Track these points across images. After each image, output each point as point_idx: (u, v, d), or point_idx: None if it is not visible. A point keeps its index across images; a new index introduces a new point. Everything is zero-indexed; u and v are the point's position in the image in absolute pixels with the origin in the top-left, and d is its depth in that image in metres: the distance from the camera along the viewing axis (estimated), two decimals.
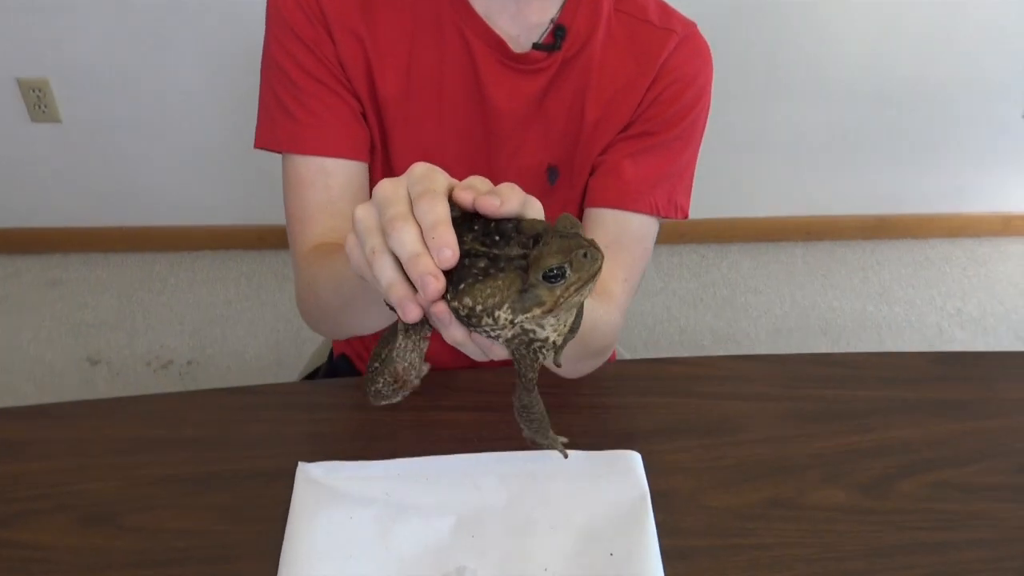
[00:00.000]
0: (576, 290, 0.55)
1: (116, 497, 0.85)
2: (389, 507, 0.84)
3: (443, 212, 0.53)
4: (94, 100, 2.13)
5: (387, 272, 0.54)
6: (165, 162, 2.23)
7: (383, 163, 0.98)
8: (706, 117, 0.99)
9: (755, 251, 2.44)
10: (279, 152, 0.93)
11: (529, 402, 0.60)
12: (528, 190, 1.02)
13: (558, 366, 0.63)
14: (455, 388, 0.97)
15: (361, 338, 1.16)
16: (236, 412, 0.94)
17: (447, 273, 0.54)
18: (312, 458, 0.88)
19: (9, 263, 2.30)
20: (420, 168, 0.56)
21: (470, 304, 0.55)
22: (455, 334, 0.56)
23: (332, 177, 0.91)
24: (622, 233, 0.95)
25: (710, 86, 0.99)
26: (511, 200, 0.56)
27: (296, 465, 0.87)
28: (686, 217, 1.01)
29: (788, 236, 2.49)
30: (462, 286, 0.55)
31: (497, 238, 0.56)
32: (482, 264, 0.55)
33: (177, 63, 2.07)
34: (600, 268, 0.55)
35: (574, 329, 0.62)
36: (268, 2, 0.92)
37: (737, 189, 2.33)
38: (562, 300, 0.55)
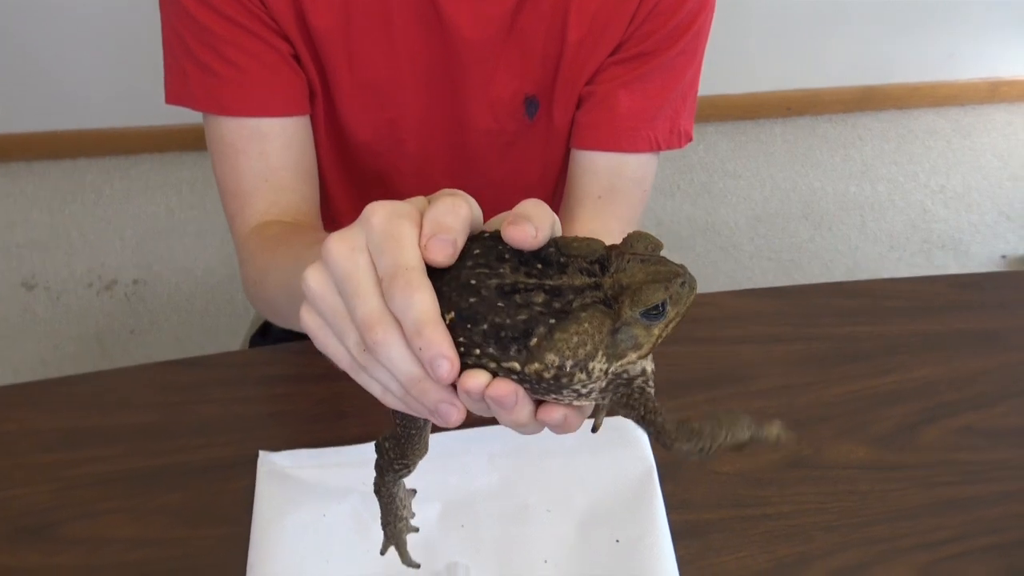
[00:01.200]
0: (674, 326, 0.44)
1: (51, 503, 0.74)
2: (367, 498, 0.74)
3: (427, 304, 0.39)
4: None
5: (397, 373, 0.41)
6: (87, 53, 1.99)
7: (326, 111, 0.82)
8: (708, 32, 0.84)
9: (733, 131, 2.31)
10: (197, 111, 0.77)
11: (684, 432, 0.45)
12: (503, 126, 0.85)
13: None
14: None
15: None
16: (182, 391, 0.83)
17: (487, 326, 0.41)
18: (274, 442, 0.78)
19: None
20: (379, 219, 0.41)
21: (556, 362, 0.41)
22: (521, 416, 0.42)
23: (268, 141, 0.76)
24: (617, 179, 0.83)
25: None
26: (544, 224, 0.42)
27: (257, 454, 0.77)
28: (690, 141, 0.87)
29: (767, 113, 2.36)
30: (534, 340, 0.41)
31: (540, 266, 0.43)
32: (540, 299, 0.42)
33: None
34: (694, 298, 0.44)
35: None
36: None
37: (712, 64, 2.16)
38: (659, 341, 0.43)
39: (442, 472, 0.77)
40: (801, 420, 0.83)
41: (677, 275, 0.42)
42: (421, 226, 0.41)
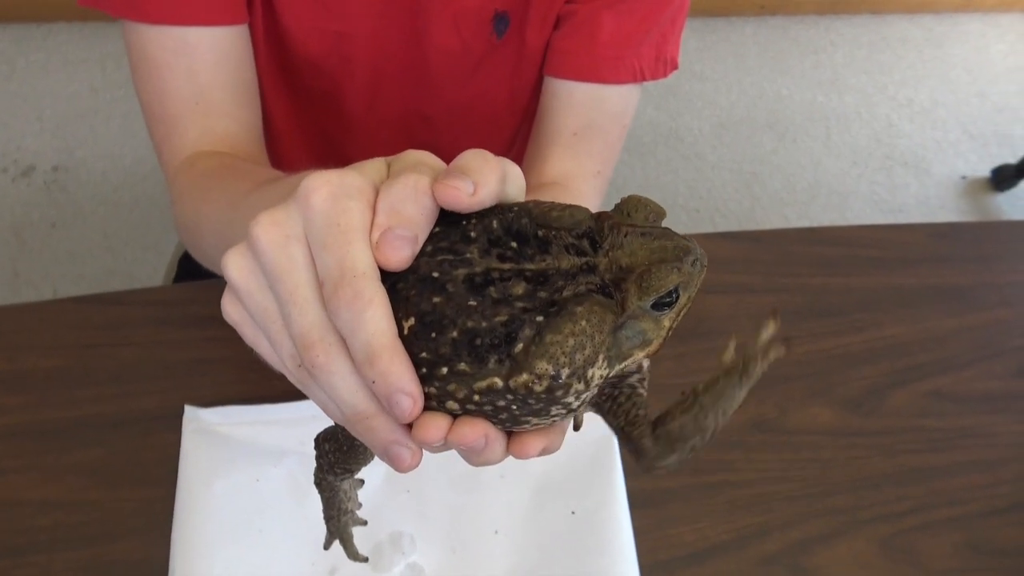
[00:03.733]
0: (686, 313, 0.37)
1: None
2: (305, 461, 0.68)
3: (381, 324, 0.31)
4: None
5: (340, 405, 0.34)
6: None
7: (266, 23, 0.70)
8: None
9: (703, 28, 2.19)
10: (112, 15, 0.65)
11: (672, 438, 0.38)
12: (468, 44, 0.74)
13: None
14: None
15: None
16: (95, 332, 0.74)
17: (457, 333, 0.33)
18: (203, 395, 0.71)
19: None
20: (320, 199, 0.32)
21: (550, 371, 0.33)
22: (492, 456, 0.35)
23: (197, 56, 0.64)
24: (596, 113, 0.74)
25: None
26: (488, 179, 0.33)
27: (183, 408, 0.70)
28: (676, 69, 0.78)
29: (740, 10, 2.24)
30: (519, 346, 0.33)
31: (515, 244, 0.34)
32: (521, 290, 0.33)
33: None
34: (703, 277, 0.36)
35: None
36: None
37: None
38: (670, 332, 0.36)
39: None
40: (768, 379, 0.78)
41: (688, 252, 0.34)
42: (375, 210, 0.33)
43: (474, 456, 0.35)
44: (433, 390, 0.33)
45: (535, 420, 0.35)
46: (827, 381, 0.80)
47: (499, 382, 0.33)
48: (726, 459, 0.74)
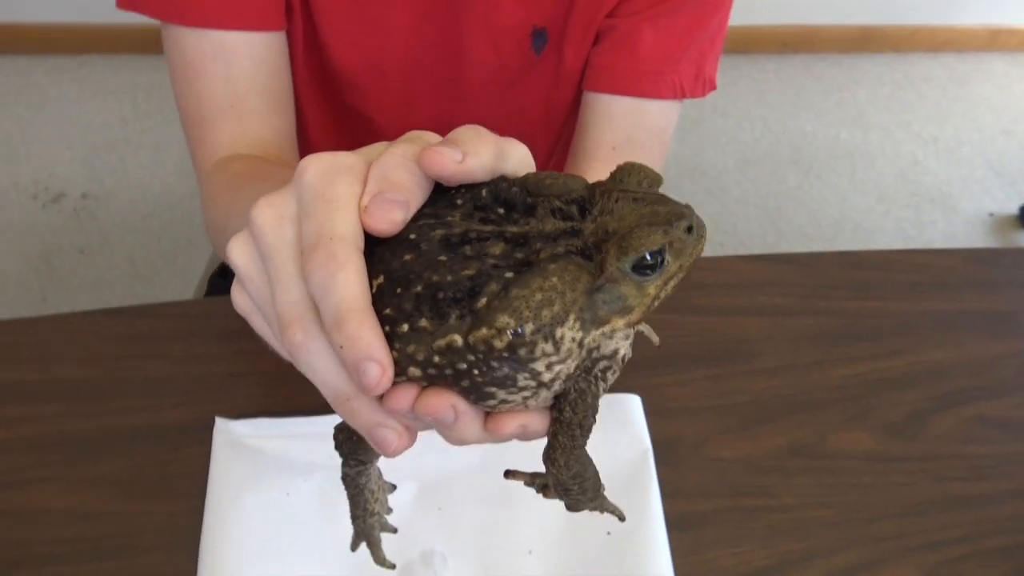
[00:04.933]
0: (675, 284, 0.34)
1: None
2: (335, 475, 0.67)
3: (351, 286, 0.30)
4: None
5: (321, 386, 0.33)
6: None
7: (306, 33, 0.71)
8: None
9: (726, 65, 2.18)
10: (152, 17, 0.66)
11: (582, 463, 0.36)
12: (507, 60, 0.73)
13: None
14: None
15: None
16: (125, 344, 0.74)
17: (421, 287, 0.31)
18: (233, 407, 0.70)
19: None
20: (311, 176, 0.32)
21: (511, 325, 0.31)
22: (467, 433, 0.34)
23: (233, 61, 0.65)
24: (635, 128, 0.74)
25: None
26: (479, 150, 0.32)
27: (213, 420, 0.69)
28: (714, 89, 0.78)
29: (762, 48, 2.25)
30: (482, 300, 0.31)
31: (501, 210, 0.33)
32: (498, 250, 0.32)
33: None
34: (704, 243, 0.34)
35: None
36: None
37: None
38: (656, 302, 0.33)
39: (418, 448, 0.69)
40: (806, 403, 0.78)
41: (681, 216, 0.32)
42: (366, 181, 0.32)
43: (448, 431, 0.34)
44: (395, 354, 0.32)
45: (502, 393, 0.33)
46: (866, 405, 0.78)
47: (459, 339, 0.31)
48: (764, 483, 0.72)
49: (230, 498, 0.65)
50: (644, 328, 0.42)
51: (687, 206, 0.33)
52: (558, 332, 0.31)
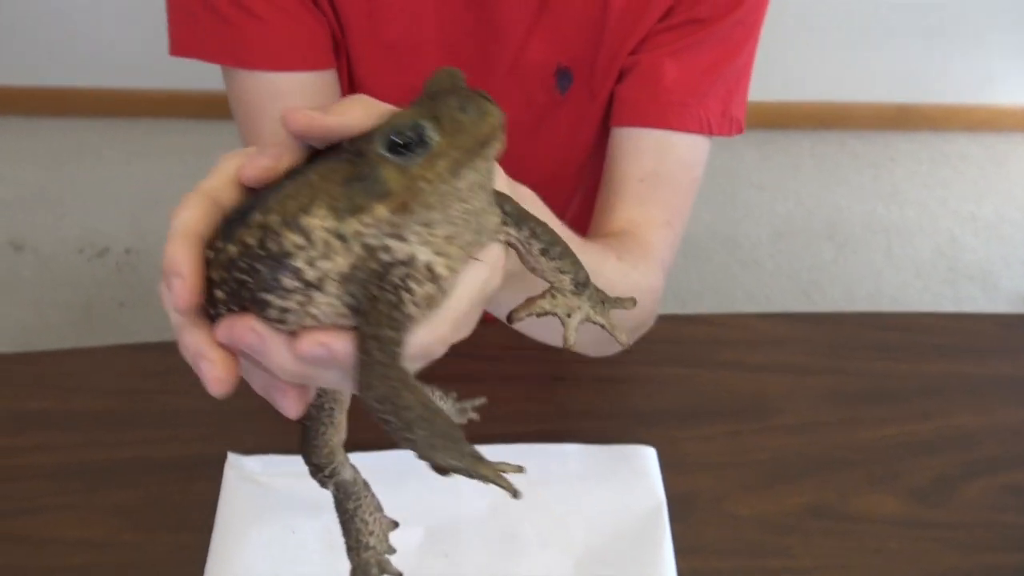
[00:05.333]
0: (451, 168, 0.31)
1: None
2: None
3: (183, 218, 0.34)
4: None
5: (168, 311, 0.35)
6: (98, 10, 1.91)
7: (347, 70, 0.74)
8: (767, 4, 0.75)
9: (760, 140, 2.22)
10: (207, 62, 0.69)
11: (391, 391, 0.31)
12: (532, 99, 0.74)
13: (623, 344, 0.41)
14: None
15: None
16: (150, 378, 0.75)
17: (234, 213, 0.34)
18: (246, 443, 0.70)
19: None
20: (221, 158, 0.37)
21: (259, 220, 0.32)
22: (278, 357, 0.33)
23: (288, 100, 0.67)
24: (663, 161, 0.73)
25: None
26: (348, 110, 0.34)
27: (226, 455, 0.69)
28: (741, 132, 0.78)
29: (797, 124, 2.27)
30: (255, 213, 0.32)
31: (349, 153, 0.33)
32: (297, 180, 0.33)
33: None
34: (498, 128, 0.31)
35: (596, 297, 0.41)
36: None
37: None
38: (425, 186, 0.30)
39: (426, 491, 0.69)
40: (829, 463, 0.76)
41: (450, 93, 0.31)
42: None
43: (264, 360, 0.34)
44: (211, 280, 0.34)
45: (275, 299, 0.32)
46: (892, 469, 0.76)
47: (233, 248, 0.32)
48: (783, 544, 0.70)
49: (237, 532, 0.65)
50: (605, 321, 0.41)
51: (474, 91, 0.32)
52: (304, 221, 0.31)
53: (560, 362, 0.80)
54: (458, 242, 0.33)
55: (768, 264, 2.00)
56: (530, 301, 0.38)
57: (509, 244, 0.38)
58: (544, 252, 0.37)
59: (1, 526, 0.65)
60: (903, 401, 0.80)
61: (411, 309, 0.32)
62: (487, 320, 0.98)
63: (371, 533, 0.50)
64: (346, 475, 0.47)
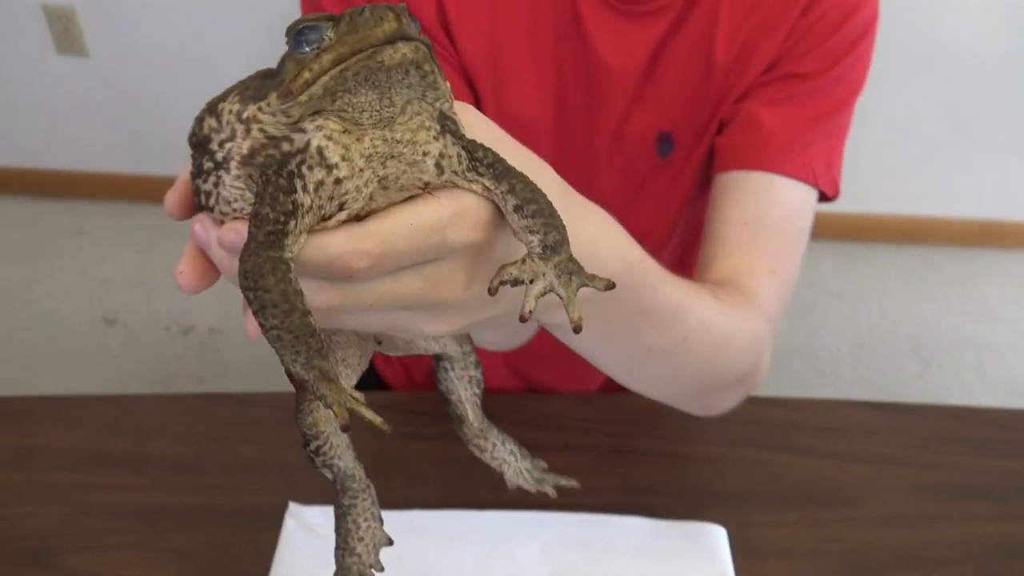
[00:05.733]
0: (334, 60, 0.32)
1: (58, 527, 0.68)
2: (399, 571, 0.65)
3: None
4: (124, 32, 1.95)
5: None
6: (199, 103, 2.05)
7: None
8: (869, 64, 0.74)
9: (840, 251, 2.19)
10: None
11: (255, 268, 0.31)
12: (634, 166, 0.75)
13: (575, 323, 0.35)
14: (495, 418, 0.78)
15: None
16: (220, 427, 0.76)
17: None
18: (309, 495, 0.70)
19: (31, 207, 2.16)
20: None
21: (197, 117, 0.37)
22: (215, 249, 0.35)
23: None
24: (767, 205, 0.70)
25: (877, 23, 0.74)
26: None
27: (287, 505, 0.69)
28: (836, 197, 0.76)
29: (879, 237, 2.23)
30: None
31: None
32: None
33: None
34: (392, 32, 0.31)
35: (575, 274, 0.35)
36: None
37: None
38: (308, 75, 0.32)
39: (485, 556, 0.67)
40: (916, 559, 0.70)
41: (367, 5, 0.32)
42: None
43: (207, 251, 0.37)
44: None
45: (199, 183, 0.37)
46: (987, 570, 0.70)
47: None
48: None
49: None
50: (565, 295, 0.35)
51: (388, 4, 0.33)
52: (219, 106, 0.35)
53: (628, 436, 0.78)
54: (358, 139, 0.33)
55: (848, 375, 1.93)
56: (502, 268, 0.35)
57: (487, 198, 0.36)
58: (517, 209, 0.35)
59: (66, 559, 0.65)
60: (996, 500, 0.75)
61: (302, 197, 0.33)
62: (552, 391, 0.97)
63: (360, 539, 0.49)
64: (341, 465, 0.46)
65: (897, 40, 1.95)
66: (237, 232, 0.34)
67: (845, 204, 2.31)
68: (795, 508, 0.73)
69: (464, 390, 0.50)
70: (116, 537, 0.67)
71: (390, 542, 0.50)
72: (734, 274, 0.68)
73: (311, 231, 0.33)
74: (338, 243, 0.33)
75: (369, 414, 0.32)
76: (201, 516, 0.69)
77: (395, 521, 0.67)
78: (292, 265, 0.32)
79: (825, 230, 2.20)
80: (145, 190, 2.18)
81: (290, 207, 0.32)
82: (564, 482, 0.56)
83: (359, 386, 0.47)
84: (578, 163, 0.76)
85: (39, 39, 1.95)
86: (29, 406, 0.77)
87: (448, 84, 0.35)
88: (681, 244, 0.84)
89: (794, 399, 0.85)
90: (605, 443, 0.77)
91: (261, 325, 0.32)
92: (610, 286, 0.35)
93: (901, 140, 2.10)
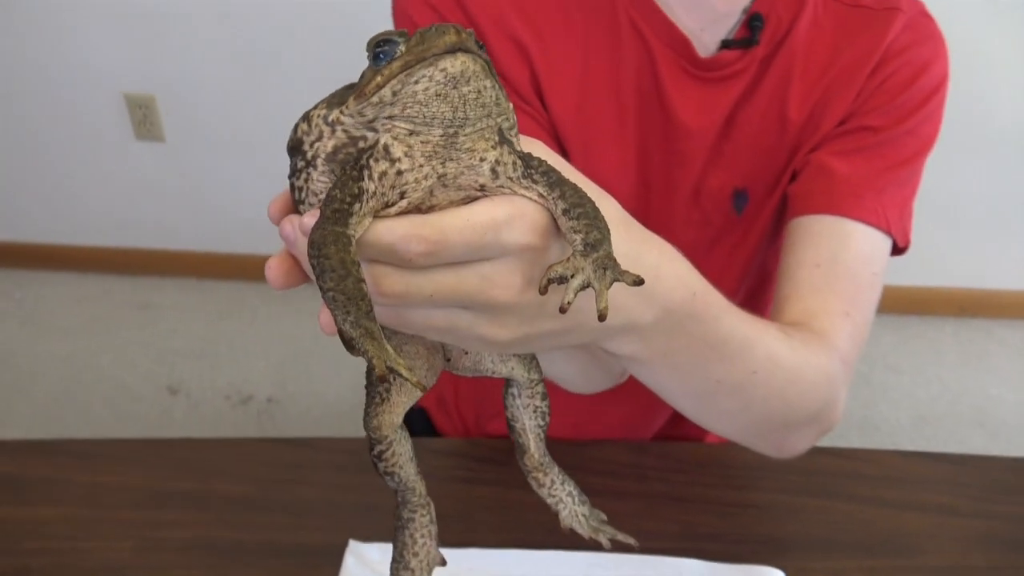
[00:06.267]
0: (402, 66, 0.35)
1: (128, 561, 0.70)
2: None
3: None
4: (200, 119, 2.08)
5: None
6: (269, 186, 2.15)
7: None
8: (940, 122, 0.77)
9: (898, 324, 2.16)
10: None
11: (320, 238, 0.35)
12: (710, 220, 0.79)
13: (600, 312, 0.36)
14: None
15: (450, 385, 0.97)
16: (283, 469, 0.78)
17: None
18: (367, 534, 0.71)
19: (103, 282, 2.26)
20: None
21: (294, 125, 0.40)
22: (299, 244, 0.38)
23: None
24: (841, 249, 0.71)
25: (947, 83, 0.76)
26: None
27: (347, 543, 0.70)
28: (907, 248, 0.76)
29: (938, 310, 2.20)
30: None
31: None
32: None
33: (286, 82, 2.00)
34: (452, 40, 0.35)
35: (611, 270, 0.37)
36: (393, 5, 0.75)
37: None
38: (383, 82, 0.36)
39: None
40: None
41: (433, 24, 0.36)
42: None
43: (290, 248, 0.40)
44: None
45: (293, 181, 0.41)
46: None
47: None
48: None
49: None
50: (599, 286, 0.37)
51: (453, 24, 0.36)
52: (311, 114, 0.40)
53: (684, 484, 0.78)
54: (423, 142, 0.37)
55: (910, 448, 1.88)
56: (549, 267, 0.37)
57: (543, 206, 0.39)
58: (566, 212, 0.38)
59: None
60: None
61: (367, 184, 0.37)
62: (607, 438, 0.96)
63: (415, 554, 0.50)
64: (403, 475, 0.48)
65: (949, 120, 1.97)
66: (315, 218, 0.37)
67: (905, 278, 2.29)
68: (854, 556, 0.72)
69: (528, 419, 0.51)
70: (180, 571, 0.69)
71: (443, 562, 0.51)
72: (807, 316, 0.68)
73: (376, 215, 0.37)
74: (399, 227, 0.37)
75: (406, 372, 0.35)
76: (262, 552, 0.71)
77: (451, 557, 0.68)
78: (353, 240, 0.36)
79: (883, 304, 2.16)
80: (210, 266, 2.28)
81: (356, 191, 0.36)
82: (622, 538, 0.56)
83: (412, 430, 0.50)
84: (658, 218, 0.78)
85: (119, 125, 2.08)
86: (101, 448, 0.81)
87: (511, 104, 0.39)
88: (748, 291, 0.85)
89: (848, 449, 0.85)
90: (660, 490, 0.77)
91: (321, 288, 0.35)
92: (638, 281, 0.37)
93: (958, 215, 2.09)
